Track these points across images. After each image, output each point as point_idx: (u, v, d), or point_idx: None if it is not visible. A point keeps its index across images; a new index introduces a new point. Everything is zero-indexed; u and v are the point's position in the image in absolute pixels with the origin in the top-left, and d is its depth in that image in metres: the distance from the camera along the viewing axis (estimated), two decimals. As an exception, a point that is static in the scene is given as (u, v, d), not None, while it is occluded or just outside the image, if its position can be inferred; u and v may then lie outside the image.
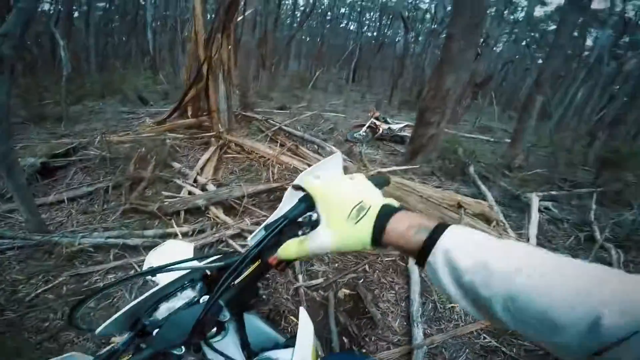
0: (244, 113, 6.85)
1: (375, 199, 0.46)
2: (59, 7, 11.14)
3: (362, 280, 2.50)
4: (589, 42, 17.38)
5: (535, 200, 3.95)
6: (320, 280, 2.43)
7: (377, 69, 19.18)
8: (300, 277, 2.40)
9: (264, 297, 2.17)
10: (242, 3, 5.17)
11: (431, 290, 2.53)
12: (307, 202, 0.51)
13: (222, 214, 3.02)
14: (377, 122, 6.89)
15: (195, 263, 0.68)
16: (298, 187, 0.52)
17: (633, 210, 4.54)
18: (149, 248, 2.48)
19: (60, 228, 2.73)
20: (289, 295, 2.27)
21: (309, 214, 0.53)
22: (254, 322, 0.80)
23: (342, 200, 0.46)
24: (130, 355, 0.56)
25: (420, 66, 15.27)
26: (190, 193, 3.32)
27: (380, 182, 0.55)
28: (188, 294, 0.68)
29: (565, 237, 3.87)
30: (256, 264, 0.59)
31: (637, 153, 5.95)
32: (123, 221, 2.87)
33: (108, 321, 0.62)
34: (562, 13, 6.74)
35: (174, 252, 1.01)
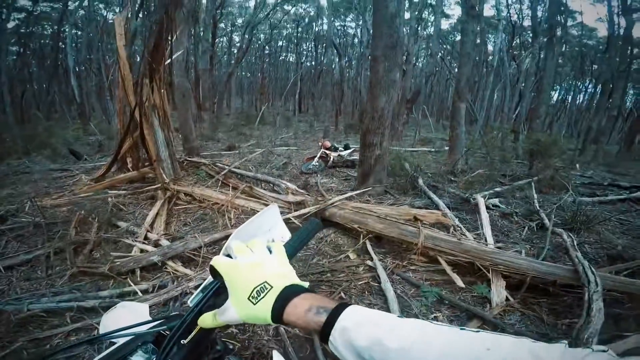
0: (189, 159, 6.59)
1: (279, 280, 0.49)
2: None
3: (340, 310, 2.45)
4: (490, 47, 20.04)
5: (481, 201, 4.26)
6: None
7: (320, 96, 20.00)
8: (276, 317, 2.29)
9: (230, 347, 2.01)
10: (169, 45, 5.05)
11: (410, 305, 2.55)
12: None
13: (180, 266, 2.90)
14: (328, 152, 7.08)
15: (139, 329, 0.67)
16: (211, 268, 0.54)
17: (569, 192, 5.10)
18: (106, 308, 2.22)
19: (1, 296, 2.50)
20: (269, 335, 2.18)
21: None
22: None
23: (245, 280, 0.49)
24: None
25: (357, 89, 16.24)
26: (142, 251, 3.11)
27: (311, 228, 0.57)
28: (141, 357, 0.67)
29: (519, 229, 4.15)
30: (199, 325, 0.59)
31: (555, 141, 6.83)
32: (73, 285, 2.65)
33: None
34: (462, 23, 7.63)
35: (129, 314, 0.98)
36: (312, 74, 22.54)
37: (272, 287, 0.48)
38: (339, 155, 7.14)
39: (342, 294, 2.65)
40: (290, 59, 34.53)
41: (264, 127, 11.38)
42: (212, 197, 4.42)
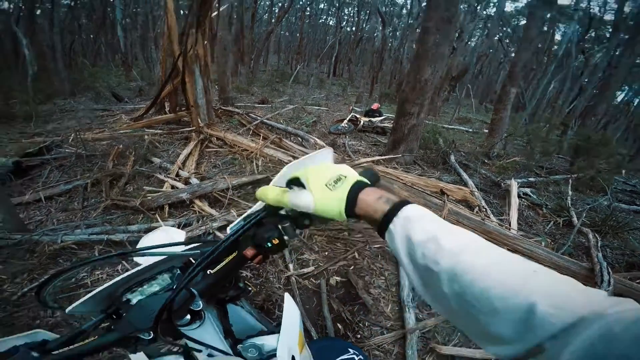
0: (223, 107, 6.72)
1: (353, 174, 0.51)
2: (20, 4, 10.50)
3: (352, 267, 2.52)
4: (557, 36, 18.16)
5: (514, 185, 4.09)
6: (311, 268, 2.42)
7: (357, 63, 19.20)
8: (291, 266, 2.39)
9: (249, 288, 2.14)
10: None
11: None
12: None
13: (207, 206, 2.97)
14: (358, 116, 6.95)
15: (171, 249, 0.66)
16: (287, 183, 0.53)
17: (607, 196, 4.80)
18: (134, 243, 2.40)
19: (40, 227, 2.59)
20: (280, 284, 2.26)
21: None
22: (240, 312, 0.80)
23: (324, 170, 0.50)
24: (96, 337, 0.55)
25: (398, 60, 15.47)
26: (173, 187, 3.23)
27: (369, 176, 0.55)
28: (165, 280, 0.66)
29: (545, 222, 4.01)
30: (233, 255, 0.58)
31: (607, 141, 6.30)
32: (105, 217, 2.76)
33: (80, 300, 0.60)
34: (531, 8, 6.98)
35: (165, 238, 1.00)
36: (352, 40, 21.64)
37: (346, 177, 0.49)
38: (369, 120, 6.98)
39: (356, 254, 2.68)
40: (330, 22, 33.23)
41: (297, 86, 11.22)
42: (242, 143, 4.53)
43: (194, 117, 5.13)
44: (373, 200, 0.46)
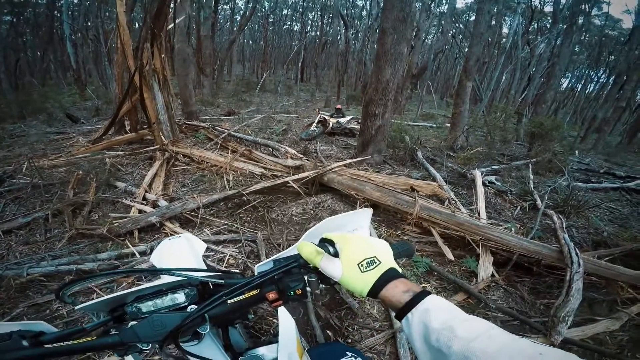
0: (188, 122, 6.54)
1: (387, 260, 0.55)
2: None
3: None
4: (505, 29, 19.32)
5: (478, 175, 4.28)
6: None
7: (323, 67, 19.42)
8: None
9: (251, 316, 2.08)
10: (172, 10, 4.94)
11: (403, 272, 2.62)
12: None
13: (178, 227, 2.90)
14: (326, 117, 7.03)
15: (195, 273, 0.68)
16: (322, 240, 0.59)
17: (565, 176, 5.13)
18: (104, 270, 2.29)
19: (1, 261, 2.48)
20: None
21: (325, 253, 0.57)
22: (234, 332, 0.82)
23: (361, 246, 0.55)
24: (94, 338, 0.58)
25: (362, 61, 15.77)
26: (140, 212, 3.10)
27: (404, 250, 0.62)
28: (180, 298, 0.68)
29: (512, 208, 4.21)
30: (253, 292, 0.61)
31: (559, 126, 6.78)
32: (71, 248, 2.63)
33: (92, 301, 0.63)
34: (479, 3, 7.38)
35: (186, 246, 1.05)
36: (317, 44, 21.80)
37: (380, 262, 0.53)
38: (337, 122, 7.09)
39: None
40: (295, 28, 33.38)
41: (264, 95, 11.15)
42: (210, 159, 4.42)
43: (157, 134, 4.95)
44: (398, 293, 0.50)
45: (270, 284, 0.59)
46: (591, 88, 27.05)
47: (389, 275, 0.52)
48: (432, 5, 16.50)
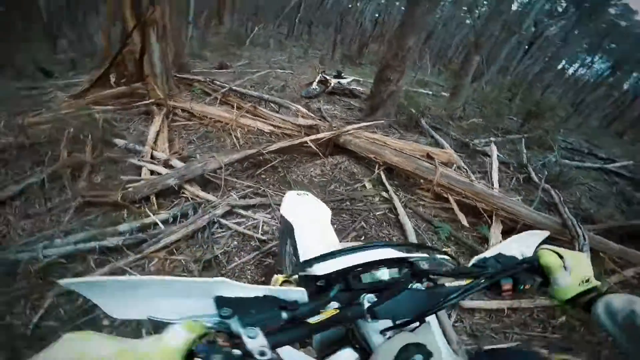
0: (179, 75, 6.00)
1: (594, 279, 0.68)
2: None
3: (363, 237, 2.55)
4: (514, 6, 18.73)
5: (494, 149, 4.39)
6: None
7: (318, 24, 18.15)
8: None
9: None
10: None
11: (424, 238, 2.71)
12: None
13: (200, 191, 2.67)
14: (327, 77, 6.75)
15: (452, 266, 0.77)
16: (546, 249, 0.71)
17: (554, 153, 5.40)
18: (132, 246, 2.09)
19: (5, 241, 2.12)
20: None
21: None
22: None
23: (583, 268, 0.68)
24: (339, 307, 0.61)
25: (359, 23, 14.94)
26: (152, 173, 2.84)
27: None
28: (392, 273, 0.73)
29: (508, 179, 4.38)
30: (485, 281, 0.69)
31: (554, 106, 7.04)
32: (82, 219, 2.33)
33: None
34: None
35: (314, 207, 1.13)
36: (315, 0, 20.29)
37: (593, 285, 0.67)
38: (338, 82, 6.83)
39: (363, 224, 2.70)
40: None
41: (255, 49, 10.36)
42: (213, 114, 4.14)
43: (151, 88, 4.51)
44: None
45: (507, 275, 0.67)
46: (583, 72, 27.65)
47: (598, 293, 0.65)
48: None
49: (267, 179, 3.14)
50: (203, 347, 0.42)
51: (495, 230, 2.93)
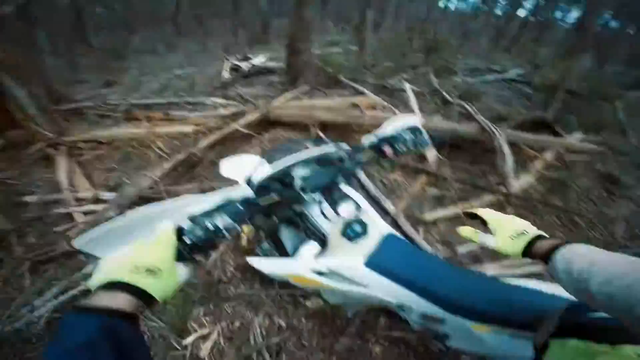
0: (63, 108, 5.16)
1: (534, 231, 0.76)
2: None
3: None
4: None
5: (407, 86, 4.80)
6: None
7: (209, 17, 16.74)
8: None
9: None
10: None
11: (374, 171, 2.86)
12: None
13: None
14: (237, 62, 6.44)
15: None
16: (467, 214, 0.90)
17: (459, 75, 6.07)
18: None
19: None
20: None
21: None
22: None
23: (512, 225, 0.78)
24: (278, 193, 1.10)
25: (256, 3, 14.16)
26: (86, 213, 2.55)
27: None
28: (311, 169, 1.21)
29: (427, 104, 4.91)
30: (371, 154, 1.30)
31: (448, 41, 7.84)
32: (44, 276, 2.09)
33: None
34: None
35: (250, 160, 1.38)
36: None
37: (529, 232, 0.75)
38: (252, 65, 6.57)
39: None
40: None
41: (142, 57, 9.34)
42: (123, 134, 3.75)
43: (35, 131, 3.85)
44: (545, 247, 0.69)
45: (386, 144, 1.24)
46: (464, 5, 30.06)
47: (537, 237, 0.73)
48: None
49: (209, 175, 2.99)
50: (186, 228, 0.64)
51: (430, 147, 3.22)
